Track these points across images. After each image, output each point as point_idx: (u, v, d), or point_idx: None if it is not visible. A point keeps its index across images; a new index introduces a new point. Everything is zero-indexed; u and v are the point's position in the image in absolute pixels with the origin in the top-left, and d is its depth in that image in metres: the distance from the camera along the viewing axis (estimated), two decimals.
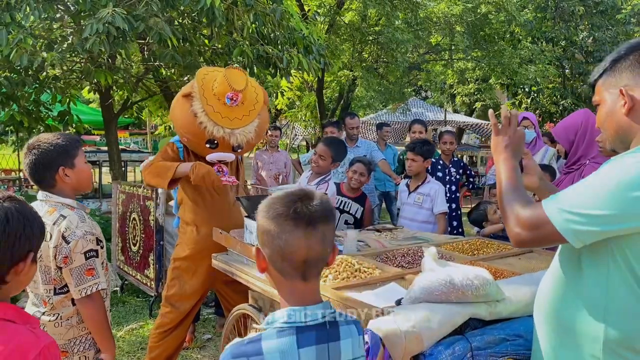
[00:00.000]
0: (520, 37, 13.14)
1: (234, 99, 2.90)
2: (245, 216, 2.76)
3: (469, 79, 17.07)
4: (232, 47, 5.91)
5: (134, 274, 4.95)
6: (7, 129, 6.55)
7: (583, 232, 1.30)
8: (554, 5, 12.73)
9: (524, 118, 5.13)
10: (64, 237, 2.09)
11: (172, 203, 4.56)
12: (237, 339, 1.30)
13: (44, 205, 2.18)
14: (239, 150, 3.13)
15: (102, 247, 2.22)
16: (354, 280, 2.22)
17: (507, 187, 1.52)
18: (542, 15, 13.18)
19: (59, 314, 2.17)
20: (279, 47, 5.93)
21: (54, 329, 2.16)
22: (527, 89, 13.40)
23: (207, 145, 3.01)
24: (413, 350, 1.70)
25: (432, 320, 1.75)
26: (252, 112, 3.06)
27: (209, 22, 5.27)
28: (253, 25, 5.63)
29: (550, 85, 13.88)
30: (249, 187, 4.28)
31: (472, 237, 3.14)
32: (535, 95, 13.77)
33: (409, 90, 18.92)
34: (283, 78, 6.69)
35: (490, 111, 1.75)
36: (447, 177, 5.02)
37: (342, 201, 4.11)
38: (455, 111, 24.60)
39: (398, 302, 1.90)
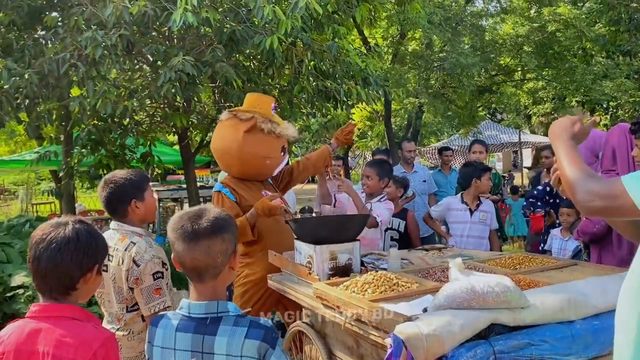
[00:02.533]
0: (593, 52, 12.76)
1: (276, 107, 3.50)
2: (295, 238, 2.98)
3: (544, 99, 16.66)
4: (294, 84, 6.28)
5: None
6: (97, 172, 7.20)
7: None
8: (627, 18, 12.29)
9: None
10: (134, 261, 2.39)
11: None
12: None
13: (116, 233, 2.51)
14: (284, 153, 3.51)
15: (167, 269, 2.51)
16: (391, 293, 2.37)
17: (570, 160, 1.56)
18: (615, 29, 12.74)
19: (131, 329, 2.48)
20: (338, 81, 6.23)
21: (127, 342, 2.46)
22: (604, 105, 12.90)
23: (282, 154, 3.46)
24: (435, 353, 1.83)
25: (454, 325, 1.87)
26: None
27: (271, 62, 5.66)
28: (312, 62, 5.97)
29: (631, 99, 13.29)
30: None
31: (516, 253, 3.19)
32: (614, 110, 13.22)
33: (483, 113, 18.70)
34: (345, 110, 6.97)
35: (579, 109, 1.85)
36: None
37: None
38: (533, 132, 23.91)
39: (424, 310, 2.04)
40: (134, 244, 2.44)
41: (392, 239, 4.26)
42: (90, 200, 17.45)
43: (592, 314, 2.15)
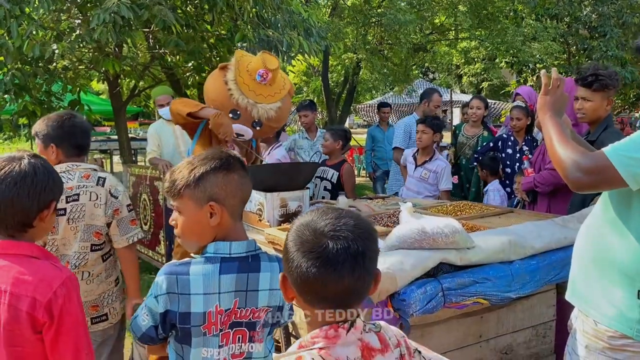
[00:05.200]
0: (524, 14, 13.14)
1: (264, 76, 3.13)
2: None
3: (475, 59, 17.09)
4: (234, 32, 6.10)
5: (145, 252, 5.20)
6: (20, 119, 6.79)
7: None
8: None
9: (517, 94, 5.22)
10: (111, 194, 2.41)
11: None
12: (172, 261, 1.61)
13: (72, 173, 2.39)
14: (257, 128, 3.26)
15: None
16: None
17: (559, 139, 1.68)
18: None
19: (89, 272, 2.42)
20: (280, 30, 6.11)
21: (86, 286, 2.42)
22: (532, 67, 13.39)
23: (230, 115, 3.16)
24: (388, 290, 1.91)
25: (405, 263, 1.96)
26: (277, 94, 3.24)
27: (210, 7, 5.47)
28: (254, 9, 5.81)
29: (556, 62, 13.87)
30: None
31: (458, 201, 3.33)
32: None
33: (416, 72, 18.99)
34: (286, 62, 6.87)
35: (543, 71, 1.89)
36: (518, 155, 4.65)
37: (322, 170, 4.38)
38: (463, 91, 24.62)
39: None
40: (104, 178, 2.45)
41: (324, 189, 4.33)
42: (9, 150, 16.51)
43: (529, 254, 2.31)
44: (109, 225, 2.42)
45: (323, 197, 4.19)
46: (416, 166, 4.33)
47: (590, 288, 1.67)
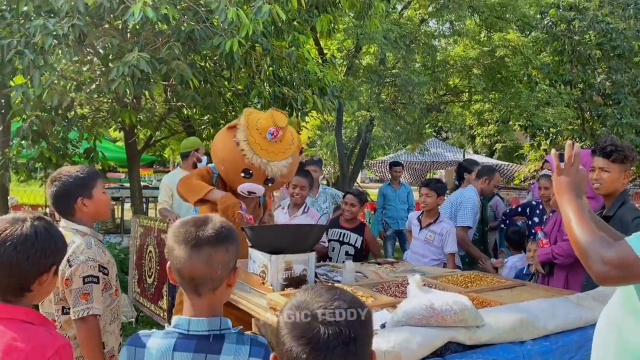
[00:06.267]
0: (538, 79, 13.29)
1: (275, 134, 3.16)
2: (250, 246, 2.92)
3: (488, 121, 17.22)
4: (250, 88, 6.20)
5: (148, 306, 5.11)
6: (36, 165, 6.86)
7: None
8: (570, 49, 12.87)
9: (546, 161, 5.23)
10: (68, 260, 2.25)
11: None
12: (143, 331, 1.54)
13: (62, 231, 2.37)
14: (269, 185, 3.31)
15: (105, 274, 2.36)
16: None
17: (581, 229, 1.56)
18: (559, 59, 13.33)
19: (66, 334, 2.33)
20: (295, 88, 6.21)
21: None
22: (545, 131, 13.43)
23: (242, 175, 3.19)
24: None
25: (412, 342, 1.87)
26: (287, 150, 3.29)
27: (229, 65, 5.57)
28: (270, 68, 5.93)
29: (570, 127, 13.92)
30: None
31: (469, 272, 3.24)
32: (554, 136, 13.80)
33: (429, 130, 19.13)
34: (299, 118, 6.94)
35: (553, 151, 1.82)
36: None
37: (341, 233, 4.29)
38: (476, 152, 24.68)
39: (383, 326, 2.02)
40: (73, 242, 2.31)
41: (347, 254, 4.24)
42: (24, 193, 16.66)
43: (542, 334, 2.20)
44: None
45: (343, 262, 4.11)
46: (421, 228, 4.28)
47: None
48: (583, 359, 2.29)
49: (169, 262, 1.53)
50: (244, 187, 3.20)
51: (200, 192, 3.17)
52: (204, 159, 5.44)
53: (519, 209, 5.17)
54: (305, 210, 4.01)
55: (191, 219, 1.53)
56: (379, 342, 1.83)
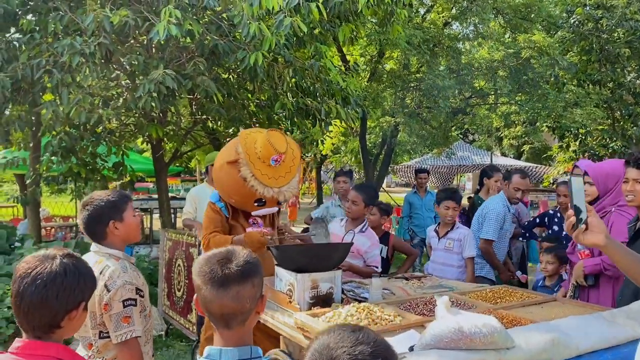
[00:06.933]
0: (565, 80, 13.05)
1: (278, 160, 3.18)
2: (276, 264, 2.93)
3: (515, 122, 16.97)
4: (274, 100, 6.24)
5: (177, 319, 5.16)
6: (66, 179, 7.02)
7: None
8: (598, 48, 12.60)
9: (575, 166, 5.12)
10: (105, 286, 2.30)
11: None
12: None
13: (95, 256, 2.41)
14: (281, 204, 3.35)
15: (142, 296, 2.41)
16: (375, 327, 2.33)
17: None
18: (587, 58, 13.06)
19: (103, 357, 2.37)
20: (318, 99, 6.22)
21: None
22: (574, 132, 13.16)
23: (256, 204, 3.26)
24: None
25: None
26: (293, 167, 3.32)
27: (252, 78, 5.62)
28: (293, 79, 5.95)
29: (599, 128, 13.63)
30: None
31: (497, 286, 3.19)
32: (584, 137, 13.52)
33: (456, 133, 18.96)
34: (322, 127, 6.94)
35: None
36: (564, 233, 4.35)
37: None
38: (504, 154, 24.35)
39: (411, 349, 2.00)
40: (109, 267, 2.35)
41: None
42: (55, 205, 17.01)
43: (574, 355, 2.14)
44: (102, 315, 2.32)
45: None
46: (439, 238, 4.29)
47: None
48: None
49: (195, 295, 1.54)
50: (258, 213, 3.25)
51: (227, 243, 3.15)
52: None
53: (537, 220, 5.07)
54: (364, 229, 3.88)
55: (214, 255, 1.54)
56: None
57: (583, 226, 1.84)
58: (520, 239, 5.12)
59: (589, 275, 3.36)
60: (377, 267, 3.73)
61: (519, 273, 5.25)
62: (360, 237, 3.81)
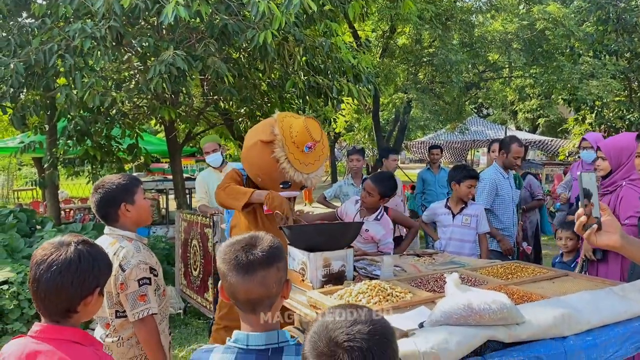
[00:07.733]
0: (581, 51, 12.83)
1: (312, 147, 3.23)
2: (288, 244, 2.97)
3: (530, 95, 16.76)
4: (285, 79, 6.23)
5: (195, 297, 5.26)
6: (83, 162, 7.12)
7: None
8: (615, 18, 12.34)
9: (583, 139, 5.08)
10: (120, 266, 2.37)
11: (224, 226, 4.85)
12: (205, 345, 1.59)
13: (108, 238, 2.47)
14: (304, 189, 3.40)
15: (156, 275, 2.48)
16: (386, 304, 2.36)
17: None
18: (603, 28, 12.81)
19: (120, 336, 2.45)
20: (329, 76, 6.20)
21: (117, 349, 2.44)
22: (590, 104, 12.98)
23: (281, 186, 3.30)
24: None
25: (450, 342, 1.87)
26: (322, 157, 3.39)
27: (262, 57, 5.60)
28: (304, 58, 5.93)
29: (616, 99, 13.41)
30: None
31: (508, 262, 3.20)
32: (600, 109, 13.33)
33: (469, 108, 18.79)
34: (335, 106, 6.93)
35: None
36: None
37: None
38: (518, 128, 24.10)
39: (421, 325, 2.03)
40: (123, 248, 2.42)
41: None
42: (73, 187, 17.25)
43: (585, 329, 2.16)
44: (119, 295, 2.39)
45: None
46: (454, 215, 4.29)
47: None
48: (629, 352, 2.25)
49: (220, 283, 1.57)
50: (282, 195, 3.28)
51: (244, 197, 3.22)
52: (215, 156, 5.50)
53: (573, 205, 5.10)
54: (379, 217, 3.89)
55: (238, 242, 1.55)
56: (417, 343, 1.84)
57: (595, 226, 1.74)
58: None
59: (597, 250, 3.37)
60: (390, 254, 3.77)
61: (525, 244, 5.27)
62: (375, 225, 3.84)
